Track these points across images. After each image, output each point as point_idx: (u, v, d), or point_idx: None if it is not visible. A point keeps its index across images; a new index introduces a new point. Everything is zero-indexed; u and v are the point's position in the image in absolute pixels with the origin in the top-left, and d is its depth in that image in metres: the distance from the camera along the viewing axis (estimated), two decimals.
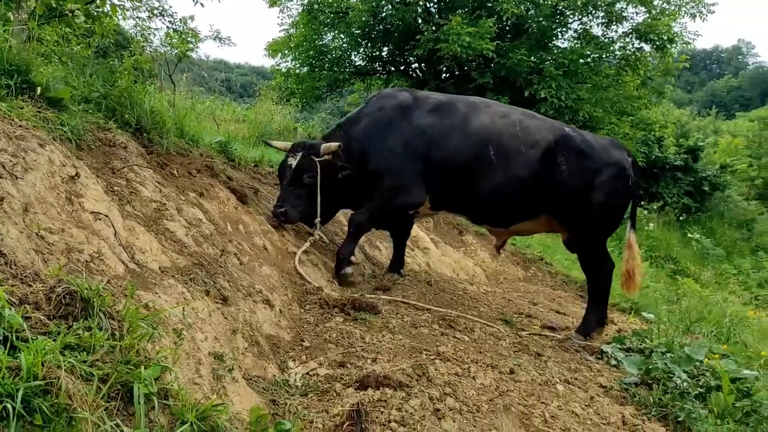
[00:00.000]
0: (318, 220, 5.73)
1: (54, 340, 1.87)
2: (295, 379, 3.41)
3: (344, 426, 2.85)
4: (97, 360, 1.91)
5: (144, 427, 1.88)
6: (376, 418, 2.96)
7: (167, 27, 12.65)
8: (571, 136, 5.69)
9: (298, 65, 18.82)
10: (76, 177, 3.34)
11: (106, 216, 3.24)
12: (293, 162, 5.65)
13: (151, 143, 5.00)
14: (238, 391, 2.94)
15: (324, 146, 5.61)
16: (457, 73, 16.72)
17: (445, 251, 8.43)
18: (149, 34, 12.57)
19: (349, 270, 5.75)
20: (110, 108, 4.77)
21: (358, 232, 5.95)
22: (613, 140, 6.24)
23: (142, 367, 2.00)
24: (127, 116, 4.83)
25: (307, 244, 5.76)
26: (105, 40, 7.98)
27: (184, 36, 12.66)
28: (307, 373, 3.54)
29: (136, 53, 11.25)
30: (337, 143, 5.64)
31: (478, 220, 6.25)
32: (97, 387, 1.85)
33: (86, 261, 2.78)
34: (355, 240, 5.95)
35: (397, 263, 6.38)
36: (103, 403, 1.85)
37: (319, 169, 5.58)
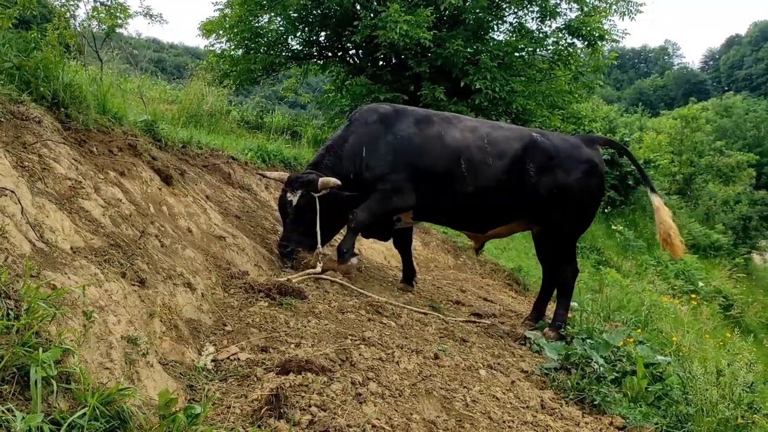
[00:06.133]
0: (319, 250, 5.75)
1: None
2: (205, 363, 3.32)
3: (263, 411, 2.79)
4: None
5: (41, 412, 1.77)
6: (297, 402, 2.92)
7: (94, 1, 12.08)
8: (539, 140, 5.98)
9: (232, 47, 18.34)
10: None
11: (13, 192, 3.05)
12: (293, 199, 5.81)
13: (68, 119, 4.74)
14: (153, 377, 2.84)
15: (322, 181, 5.72)
16: (394, 61, 16.68)
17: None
18: (74, 7, 11.95)
19: (354, 261, 5.90)
20: (24, 80, 4.50)
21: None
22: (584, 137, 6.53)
23: (41, 350, 1.88)
24: (42, 89, 4.56)
25: (315, 270, 5.59)
26: (27, 11, 7.53)
27: (112, 11, 12.12)
28: (228, 358, 3.45)
29: (61, 27, 10.67)
30: (336, 181, 5.73)
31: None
32: None
33: None
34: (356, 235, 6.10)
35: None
36: None
37: (318, 205, 5.73)
